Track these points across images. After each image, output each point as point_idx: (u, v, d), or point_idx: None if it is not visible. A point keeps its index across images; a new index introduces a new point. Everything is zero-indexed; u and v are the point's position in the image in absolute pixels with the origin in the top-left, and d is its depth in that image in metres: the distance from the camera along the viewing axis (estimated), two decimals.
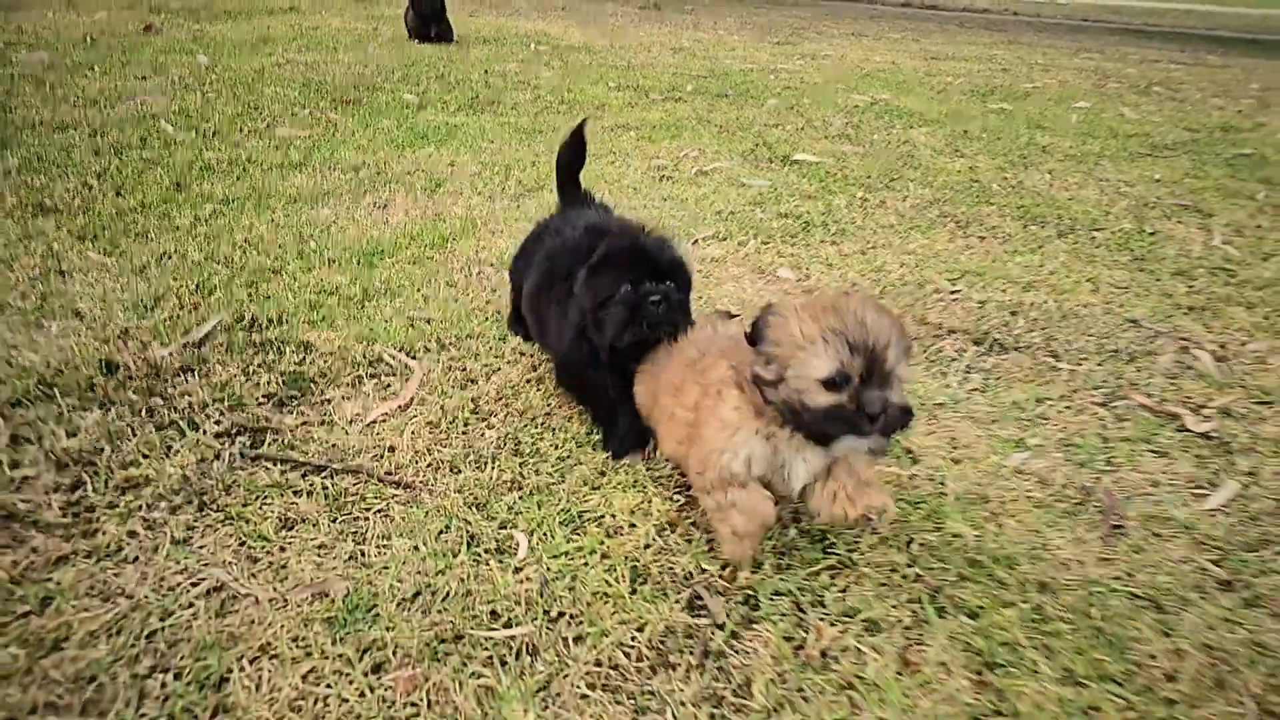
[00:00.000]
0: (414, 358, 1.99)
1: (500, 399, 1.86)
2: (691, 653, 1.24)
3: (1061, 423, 1.90)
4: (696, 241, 2.84)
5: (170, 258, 2.44)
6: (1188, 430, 1.90)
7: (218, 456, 1.59)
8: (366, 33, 7.12)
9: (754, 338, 1.28)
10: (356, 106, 4.39)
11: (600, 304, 1.59)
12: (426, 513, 1.48)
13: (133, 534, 1.39)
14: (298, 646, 1.20)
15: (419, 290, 2.34)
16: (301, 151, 3.55)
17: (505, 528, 1.46)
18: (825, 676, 1.21)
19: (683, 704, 1.16)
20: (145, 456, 1.58)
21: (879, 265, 2.72)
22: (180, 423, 1.68)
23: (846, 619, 1.32)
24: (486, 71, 5.55)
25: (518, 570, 1.37)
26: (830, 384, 1.18)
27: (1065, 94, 6.38)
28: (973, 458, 1.74)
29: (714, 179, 3.57)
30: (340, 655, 1.19)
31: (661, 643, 1.26)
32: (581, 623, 1.28)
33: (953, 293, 2.55)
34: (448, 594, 1.31)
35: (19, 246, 2.43)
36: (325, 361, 1.94)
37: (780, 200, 3.33)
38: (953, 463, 1.72)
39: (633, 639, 1.26)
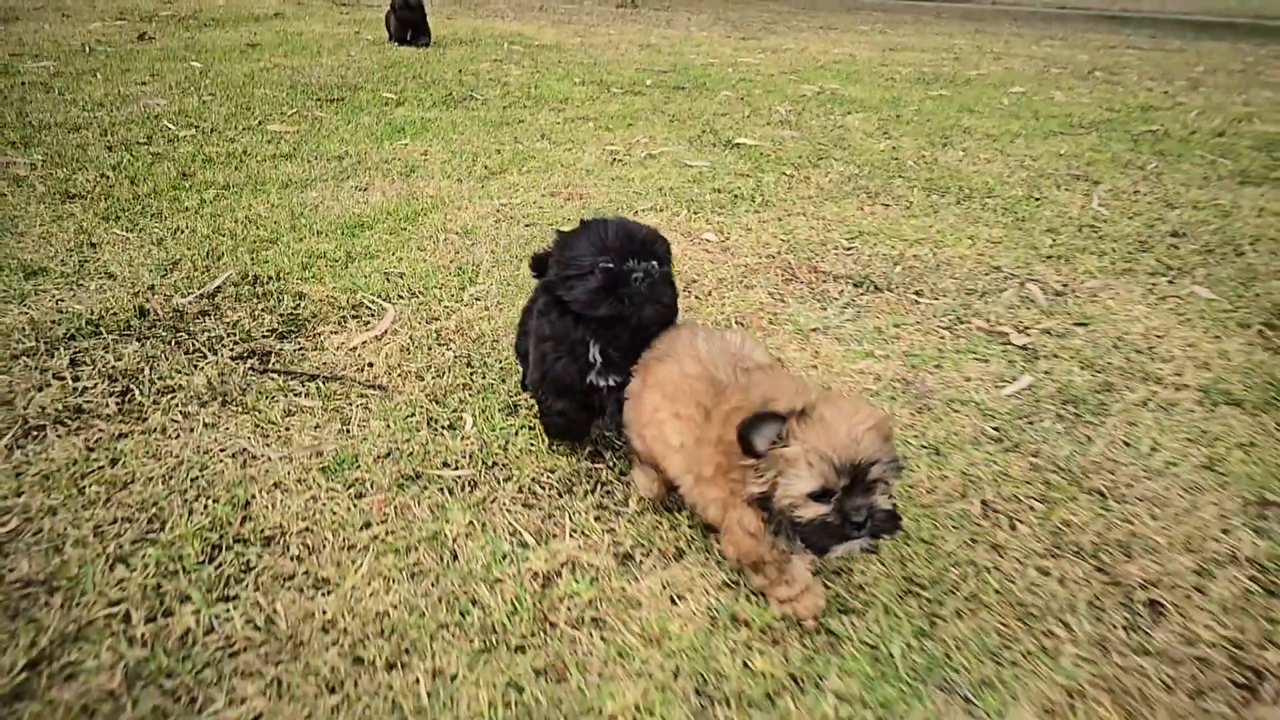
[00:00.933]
0: (389, 302, 2.48)
1: (458, 330, 2.34)
2: (589, 483, 1.74)
3: (909, 340, 2.39)
4: (636, 213, 3.34)
5: (182, 232, 2.92)
6: (1010, 344, 2.40)
7: (234, 371, 2.08)
8: (348, 37, 7.60)
9: (750, 448, 1.29)
10: (339, 104, 4.88)
11: (571, 276, 1.56)
12: (396, 404, 1.97)
13: (174, 421, 1.87)
14: (301, 484, 1.68)
15: (394, 253, 2.83)
16: (290, 144, 4.03)
17: (456, 413, 1.95)
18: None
19: (578, 512, 1.65)
20: (178, 372, 2.06)
21: (790, 229, 3.22)
22: (202, 350, 2.17)
23: None
24: (460, 71, 6.04)
25: (464, 438, 1.86)
26: (816, 497, 1.25)
27: (1006, 80, 6.91)
28: (828, 364, 2.23)
29: (660, 161, 4.07)
30: (331, 488, 1.68)
31: (569, 479, 1.75)
32: (510, 468, 1.77)
33: (847, 248, 3.05)
34: (411, 453, 1.80)
35: (53, 225, 2.91)
36: (316, 306, 2.43)
37: (716, 178, 3.83)
38: (811, 368, 2.21)
39: (546, 477, 1.75)
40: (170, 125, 4.23)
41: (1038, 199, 3.70)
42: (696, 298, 2.63)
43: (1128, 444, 1.88)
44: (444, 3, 11.27)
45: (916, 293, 2.69)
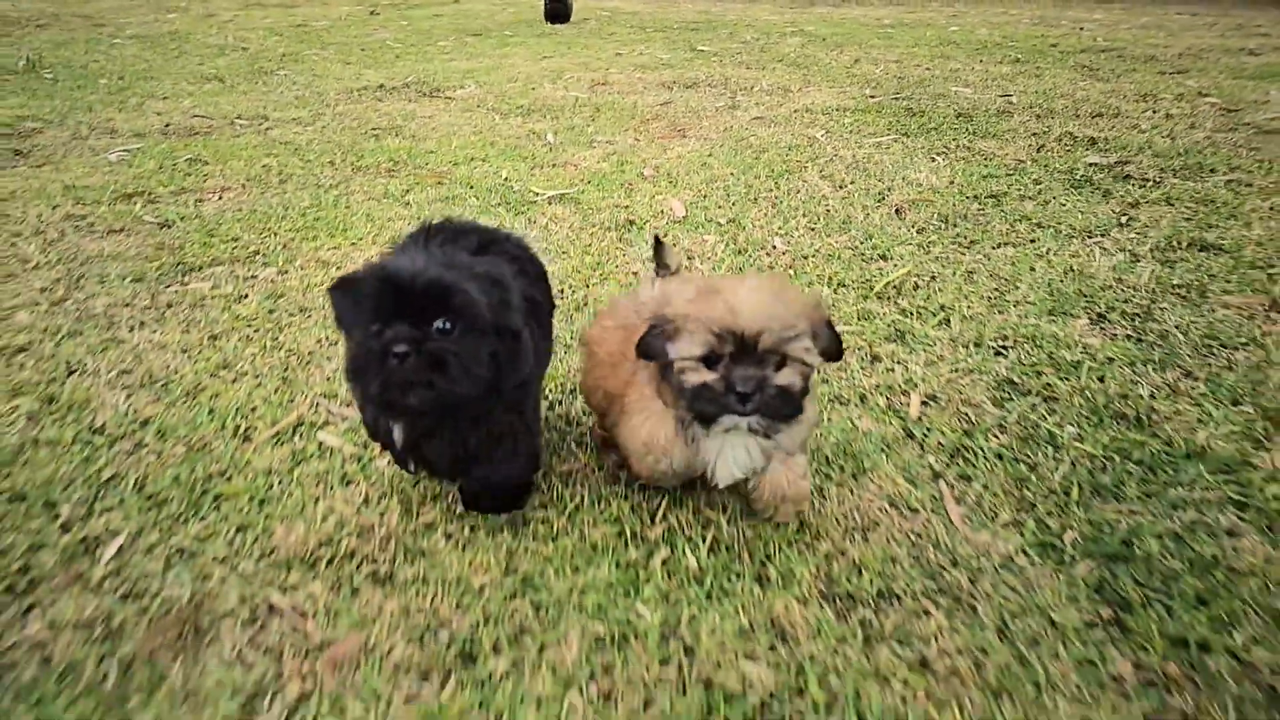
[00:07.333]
0: (477, 86, 6.09)
1: (498, 93, 5.87)
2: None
3: (672, 94, 5.53)
4: (605, 73, 6.72)
5: (391, 72, 6.78)
6: (723, 95, 5.45)
7: (409, 95, 5.77)
8: (499, 11, 11.79)
9: (646, 352, 1.38)
10: (479, 37, 8.80)
11: (346, 333, 1.31)
12: (467, 106, 5.53)
13: (396, 106, 5.58)
14: (438, 112, 5.28)
15: (482, 78, 6.46)
16: (449, 50, 7.93)
17: (485, 106, 5.47)
18: None
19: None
20: (386, 97, 5.80)
21: (682, 76, 6.42)
22: (394, 95, 5.91)
23: None
24: (555, 26, 9.84)
25: (487, 110, 5.37)
26: (705, 361, 1.31)
27: (954, 25, 9.35)
28: (635, 93, 5.46)
29: (644, 57, 7.42)
30: (438, 118, 5.25)
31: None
32: (507, 108, 5.26)
33: (703, 80, 6.20)
34: (471, 106, 5.34)
35: (294, 67, 6.91)
36: (445, 87, 6.10)
37: (669, 64, 7.09)
38: (619, 95, 5.46)
39: (510, 103, 5.22)
40: (389, 43, 8.34)
41: (848, 69, 6.55)
42: (609, 88, 5.93)
43: (709, 109, 4.94)
44: None
45: (711, 88, 5.82)
